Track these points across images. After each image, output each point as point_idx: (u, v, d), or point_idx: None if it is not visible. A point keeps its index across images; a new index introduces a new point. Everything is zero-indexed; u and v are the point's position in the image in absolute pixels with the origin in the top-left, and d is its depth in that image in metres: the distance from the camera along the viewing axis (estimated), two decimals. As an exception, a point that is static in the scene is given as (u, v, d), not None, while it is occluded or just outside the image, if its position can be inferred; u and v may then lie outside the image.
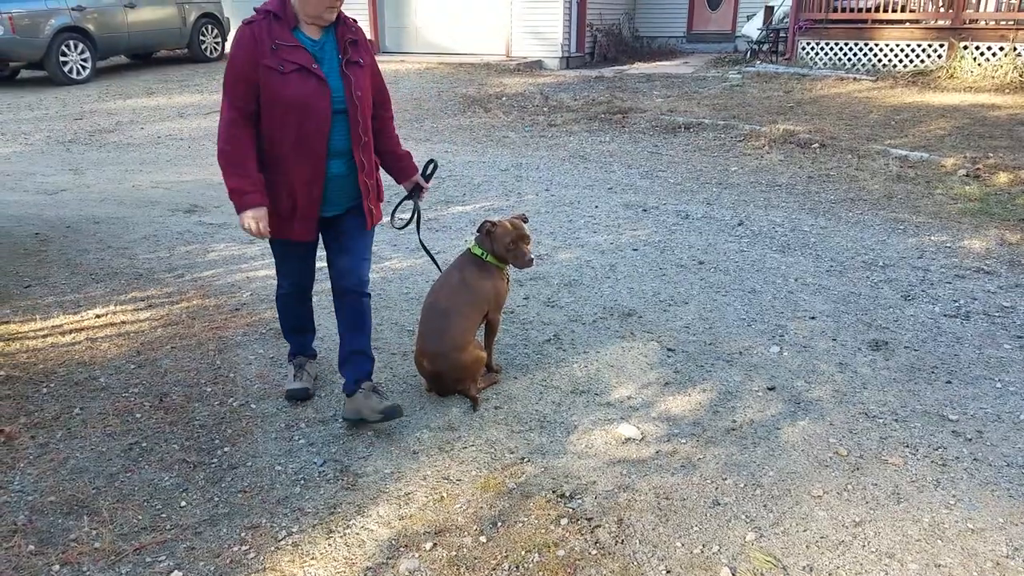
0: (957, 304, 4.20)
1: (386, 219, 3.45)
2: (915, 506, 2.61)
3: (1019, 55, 10.84)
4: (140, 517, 2.58)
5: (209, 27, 14.92)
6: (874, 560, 2.37)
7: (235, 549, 2.44)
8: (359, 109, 2.87)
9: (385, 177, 3.19)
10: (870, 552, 2.40)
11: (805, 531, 2.50)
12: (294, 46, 2.76)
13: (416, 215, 3.28)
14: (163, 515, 2.59)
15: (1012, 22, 11.07)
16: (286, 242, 3.04)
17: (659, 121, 9.20)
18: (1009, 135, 7.83)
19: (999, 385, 3.37)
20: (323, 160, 2.86)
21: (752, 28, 14.77)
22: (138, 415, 3.19)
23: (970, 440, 2.97)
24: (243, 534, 2.50)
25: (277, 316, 3.45)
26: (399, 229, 3.33)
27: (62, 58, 12.34)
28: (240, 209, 2.83)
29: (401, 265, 4.90)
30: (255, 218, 2.82)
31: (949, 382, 3.40)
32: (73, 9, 12.31)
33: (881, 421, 3.11)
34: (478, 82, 12.25)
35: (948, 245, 5.10)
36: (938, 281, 4.51)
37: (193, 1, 14.46)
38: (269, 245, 3.17)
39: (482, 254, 3.23)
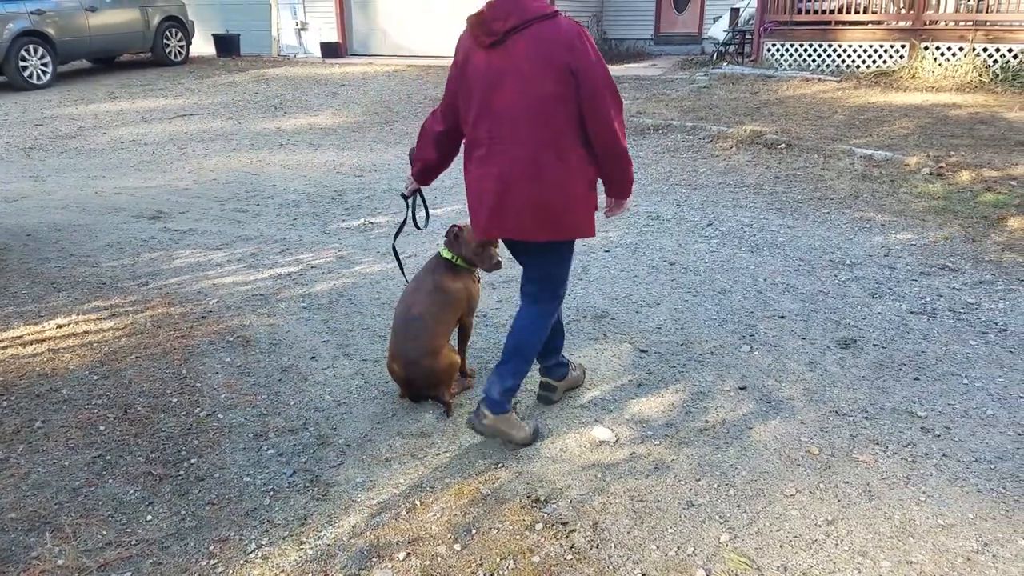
0: (923, 301, 4.26)
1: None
2: (886, 503, 2.63)
3: (978, 55, 11.07)
4: (104, 532, 2.51)
5: (173, 30, 14.70)
6: (847, 559, 2.38)
7: (203, 563, 2.38)
8: None
9: (395, 177, 3.14)
10: (843, 551, 2.41)
11: (779, 531, 2.51)
12: None
13: (405, 219, 3.28)
14: (128, 530, 2.53)
15: (971, 23, 11.30)
16: None
17: (628, 123, 9.23)
18: (970, 134, 7.98)
19: (966, 381, 3.42)
20: None
21: (718, 30, 14.91)
22: (102, 427, 3.11)
23: (939, 436, 3.01)
24: (211, 548, 2.45)
25: (538, 337, 2.96)
26: (420, 229, 3.34)
27: (21, 63, 12.08)
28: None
29: (372, 269, 4.86)
30: None
31: (917, 379, 3.45)
32: (32, 13, 12.06)
33: (851, 419, 3.14)
34: (448, 85, 12.18)
35: (914, 243, 5.18)
36: (904, 279, 4.57)
37: (157, 4, 14.24)
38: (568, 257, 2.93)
39: (453, 258, 3.21)
